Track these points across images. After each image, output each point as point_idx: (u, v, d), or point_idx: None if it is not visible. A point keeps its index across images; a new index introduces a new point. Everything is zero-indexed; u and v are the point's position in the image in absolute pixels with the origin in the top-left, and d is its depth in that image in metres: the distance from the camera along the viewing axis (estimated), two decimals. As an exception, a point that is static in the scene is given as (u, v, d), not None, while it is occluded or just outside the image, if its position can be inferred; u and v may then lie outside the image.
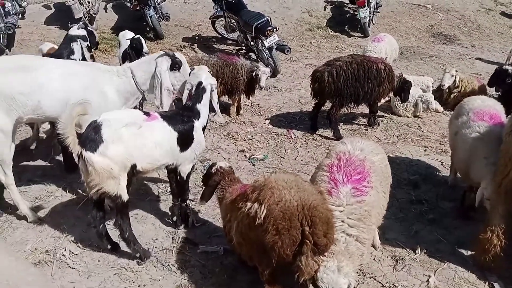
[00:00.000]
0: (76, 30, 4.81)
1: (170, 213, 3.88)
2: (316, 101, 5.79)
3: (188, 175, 3.67)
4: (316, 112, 5.84)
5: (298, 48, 9.48)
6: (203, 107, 3.60)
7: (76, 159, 3.21)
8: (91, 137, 3.01)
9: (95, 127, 3.04)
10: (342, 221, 2.70)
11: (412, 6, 12.09)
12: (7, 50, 8.03)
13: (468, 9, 12.35)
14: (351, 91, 5.46)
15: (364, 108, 6.12)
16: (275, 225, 2.47)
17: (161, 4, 9.26)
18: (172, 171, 3.65)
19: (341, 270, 2.52)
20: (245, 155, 5.17)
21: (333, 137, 5.58)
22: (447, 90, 6.55)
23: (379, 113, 6.29)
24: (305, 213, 2.46)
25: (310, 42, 9.86)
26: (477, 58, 9.34)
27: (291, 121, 6.16)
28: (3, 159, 3.58)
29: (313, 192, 2.61)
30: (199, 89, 3.61)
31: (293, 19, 10.72)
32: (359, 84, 5.47)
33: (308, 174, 4.35)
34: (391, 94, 6.12)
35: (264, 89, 7.18)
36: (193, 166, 3.73)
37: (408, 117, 6.30)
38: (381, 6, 10.96)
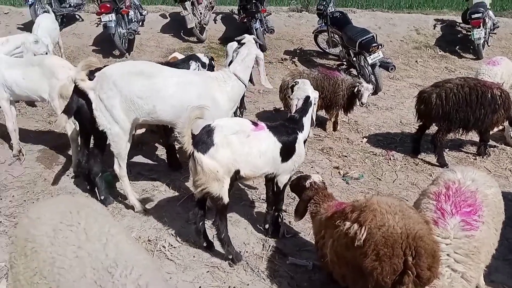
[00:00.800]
0: (203, 57, 5.10)
1: (262, 221, 3.97)
2: (421, 123, 5.52)
3: (285, 185, 3.74)
4: (420, 134, 5.56)
5: (402, 67, 9.14)
6: (307, 120, 3.69)
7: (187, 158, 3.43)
8: (204, 139, 3.22)
9: (208, 131, 3.26)
10: (448, 255, 2.53)
11: (537, 27, 11.01)
12: (127, 53, 8.93)
13: None
14: (461, 116, 5.10)
15: (473, 135, 5.68)
16: (376, 250, 2.38)
17: (267, 18, 9.58)
18: (270, 180, 3.75)
19: (443, 306, 2.36)
20: (339, 172, 5.10)
21: (436, 163, 5.26)
22: None
23: (491, 142, 5.79)
24: (410, 242, 2.34)
25: (416, 61, 9.46)
26: None
27: (391, 142, 5.95)
28: (120, 153, 3.97)
29: (419, 221, 2.49)
30: (307, 103, 3.73)
31: (399, 36, 10.39)
32: (471, 109, 5.09)
33: (407, 200, 4.16)
34: (505, 123, 5.60)
35: (364, 106, 7.05)
36: (290, 178, 3.79)
37: (524, 149, 5.73)
38: (498, 27, 10.15)
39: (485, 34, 9.53)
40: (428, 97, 5.22)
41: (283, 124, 3.72)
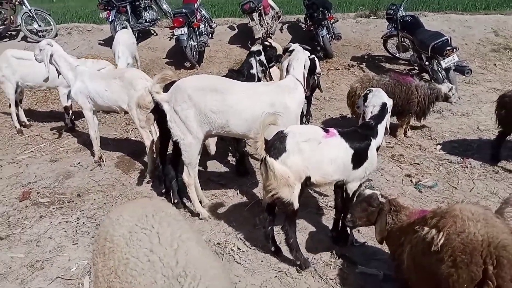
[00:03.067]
0: (254, 47, 5.21)
1: (330, 228, 3.92)
2: (501, 129, 5.15)
3: (354, 192, 3.66)
4: (500, 141, 5.19)
5: (479, 70, 8.60)
6: (381, 127, 3.64)
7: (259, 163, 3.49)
8: (276, 145, 3.28)
9: (281, 137, 3.31)
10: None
11: None
12: (197, 65, 9.32)
13: None
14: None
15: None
16: (453, 256, 2.29)
17: (333, 25, 9.52)
18: (340, 187, 3.70)
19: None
20: (411, 180, 4.90)
21: (517, 172, 4.89)
22: None
23: None
24: (491, 250, 2.22)
25: (495, 64, 8.85)
26: None
27: (467, 149, 5.61)
28: (191, 162, 4.12)
29: (504, 231, 2.34)
30: (384, 110, 3.71)
31: (475, 39, 9.81)
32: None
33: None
34: None
35: (437, 111, 6.76)
36: (360, 185, 3.72)
37: None
38: None
39: None
40: (510, 101, 4.87)
41: (356, 131, 3.69)
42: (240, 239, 3.96)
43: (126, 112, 5.33)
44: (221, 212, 4.39)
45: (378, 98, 3.77)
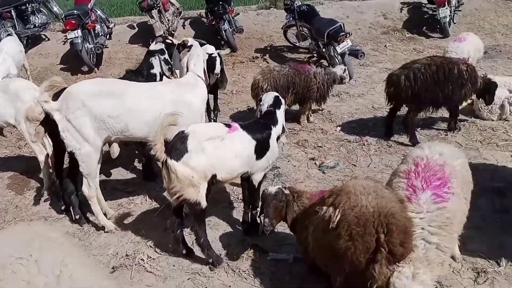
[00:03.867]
0: (153, 45, 5.07)
1: (241, 220, 3.97)
2: (392, 106, 5.58)
3: (260, 183, 3.75)
4: (392, 117, 5.62)
5: (372, 53, 9.21)
6: (280, 114, 3.78)
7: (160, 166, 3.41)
8: (177, 146, 3.22)
9: (182, 138, 3.26)
10: (422, 229, 2.58)
11: (498, 2, 11.18)
12: (96, 68, 8.86)
13: None
14: (430, 95, 5.17)
15: (443, 112, 5.75)
16: (349, 230, 2.44)
17: (235, 18, 9.58)
18: (245, 179, 3.76)
19: (416, 277, 2.41)
20: (315, 163, 5.13)
21: (409, 143, 5.32)
22: (539, 91, 5.94)
23: (461, 116, 5.88)
24: (381, 220, 2.40)
25: (385, 46, 9.53)
26: None
27: (364, 128, 5.99)
28: (90, 172, 3.90)
29: (392, 200, 2.54)
30: (278, 100, 3.90)
31: (367, 23, 10.47)
32: (439, 87, 5.15)
33: (383, 182, 4.19)
34: (473, 97, 5.68)
35: (336, 95, 7.13)
36: (264, 175, 3.80)
37: (493, 120, 5.82)
38: (463, 4, 10.28)
39: (450, 12, 9.65)
40: (397, 79, 5.27)
41: (257, 121, 3.79)
42: (150, 246, 3.86)
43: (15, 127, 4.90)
44: (129, 222, 4.24)
45: (269, 96, 3.98)
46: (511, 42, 9.48)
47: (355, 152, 5.33)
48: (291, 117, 6.40)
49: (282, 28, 9.35)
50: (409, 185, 2.71)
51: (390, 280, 2.41)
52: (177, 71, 4.86)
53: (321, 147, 5.54)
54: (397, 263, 2.41)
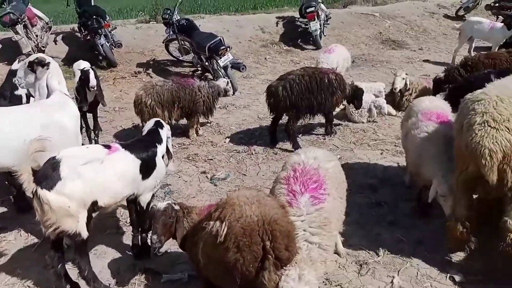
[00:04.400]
0: (16, 64, 4.61)
1: (131, 245, 3.78)
2: (274, 115, 5.85)
3: (148, 204, 3.60)
4: (274, 126, 5.89)
5: (254, 65, 9.58)
6: (164, 133, 3.71)
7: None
8: (48, 174, 2.91)
9: (53, 164, 2.95)
10: (304, 230, 2.72)
11: (361, 15, 12.52)
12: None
13: (414, 14, 12.92)
14: (306, 103, 5.54)
15: (321, 118, 6.21)
16: (236, 242, 2.46)
17: (112, 32, 9.18)
18: (132, 202, 3.58)
19: (302, 278, 2.52)
20: (206, 176, 5.13)
21: (293, 150, 5.62)
22: (399, 94, 6.76)
23: (336, 121, 6.42)
24: (266, 227, 2.46)
25: (265, 58, 10.00)
26: (425, 60, 9.73)
27: (251, 137, 6.19)
28: None
29: (274, 206, 2.63)
30: (159, 122, 3.82)
31: (246, 37, 10.86)
32: (313, 96, 5.56)
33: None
34: (345, 102, 6.25)
35: (223, 107, 7.26)
36: (153, 195, 3.68)
37: (363, 122, 6.46)
38: (330, 18, 11.29)
39: (320, 26, 10.52)
40: (275, 90, 5.55)
41: (140, 140, 3.64)
42: (28, 286, 3.46)
43: None
44: (2, 263, 3.74)
45: (150, 122, 3.91)
46: (373, 51, 10.66)
47: (244, 162, 5.46)
48: (180, 131, 6.35)
49: (163, 42, 9.24)
50: (289, 190, 2.85)
51: (279, 285, 2.49)
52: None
53: (211, 159, 5.57)
54: (284, 267, 2.51)
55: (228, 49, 7.71)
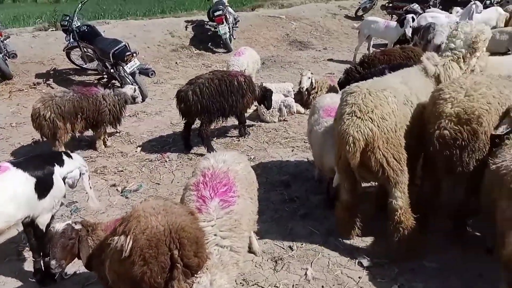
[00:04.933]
0: None
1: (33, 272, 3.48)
2: (186, 120, 5.76)
3: (48, 226, 3.33)
4: (188, 131, 5.81)
5: (164, 70, 9.39)
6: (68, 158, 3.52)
7: None
8: None
9: None
10: (215, 235, 2.68)
11: (268, 18, 12.87)
12: None
13: (317, 16, 13.59)
14: (217, 106, 5.54)
15: (234, 120, 6.25)
16: (142, 254, 2.35)
17: (5, 42, 8.41)
18: (29, 225, 3.29)
19: (213, 283, 2.49)
20: (117, 189, 4.90)
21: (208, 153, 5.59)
22: (306, 92, 7.03)
23: (249, 122, 6.51)
24: (173, 236, 2.39)
25: (176, 63, 9.86)
26: (329, 59, 10.27)
27: (165, 145, 6.04)
28: None
29: (182, 214, 2.55)
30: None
31: (155, 42, 10.62)
32: (224, 99, 5.57)
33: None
34: (256, 103, 6.36)
35: (133, 115, 7.01)
36: (52, 216, 3.41)
37: (275, 122, 6.63)
38: (239, 21, 11.45)
39: (229, 29, 10.61)
40: (185, 95, 5.47)
41: (37, 157, 3.37)
42: None
43: None
44: None
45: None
46: (282, 53, 11.02)
47: (157, 171, 5.31)
48: (87, 144, 6.00)
49: (64, 50, 8.68)
50: (199, 196, 2.81)
51: (191, 293, 2.45)
52: None
53: (122, 171, 5.33)
54: (195, 275, 2.46)
55: (135, 54, 7.46)
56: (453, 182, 3.54)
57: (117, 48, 7.37)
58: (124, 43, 7.56)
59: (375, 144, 3.12)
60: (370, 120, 3.12)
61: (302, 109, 6.89)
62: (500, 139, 3.02)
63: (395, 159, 3.17)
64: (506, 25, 9.16)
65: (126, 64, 7.27)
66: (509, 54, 7.56)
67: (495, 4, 10.94)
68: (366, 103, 3.15)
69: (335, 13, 13.89)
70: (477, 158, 3.12)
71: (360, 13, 13.87)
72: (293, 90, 7.30)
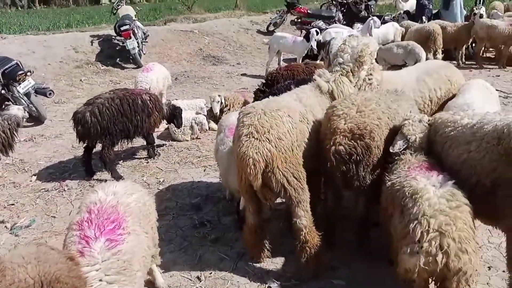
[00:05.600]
0: None
1: None
2: (85, 144, 5.32)
3: None
4: (89, 155, 5.35)
5: (67, 88, 8.75)
6: None
7: None
8: None
9: None
10: (100, 280, 2.39)
11: (180, 32, 12.66)
12: None
13: (230, 31, 13.66)
14: (120, 128, 5.18)
15: (143, 140, 5.92)
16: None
17: None
18: None
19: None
20: (5, 226, 4.34)
21: (113, 179, 5.21)
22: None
23: (160, 142, 6.23)
24: None
25: (81, 80, 9.24)
26: (242, 74, 10.31)
27: (64, 171, 5.53)
28: None
29: (58, 261, 2.23)
30: None
31: (57, 58, 9.88)
32: (127, 119, 5.24)
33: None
34: (165, 122, 6.10)
35: (28, 140, 6.38)
36: None
37: (187, 140, 6.42)
38: (148, 35, 11.10)
39: (138, 44, 10.22)
40: (83, 117, 5.04)
41: None
42: None
43: None
44: None
45: None
46: (195, 68, 10.85)
47: (54, 202, 4.81)
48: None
49: None
50: (82, 236, 2.50)
51: None
52: None
53: (13, 204, 4.76)
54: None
55: (29, 73, 6.82)
56: (355, 196, 3.61)
57: (7, 67, 6.68)
58: (15, 61, 6.88)
59: (274, 165, 3.06)
60: (268, 140, 3.05)
61: (215, 126, 6.74)
62: (396, 155, 3.11)
63: (295, 178, 3.14)
64: (402, 39, 9.87)
65: (19, 84, 6.62)
66: (407, 66, 8.12)
67: (392, 20, 11.79)
68: (262, 124, 3.09)
69: (247, 28, 14.06)
70: (372, 172, 3.19)
71: (271, 28, 14.19)
72: (206, 107, 7.15)
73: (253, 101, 6.26)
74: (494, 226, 2.85)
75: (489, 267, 3.34)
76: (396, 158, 3.09)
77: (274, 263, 3.63)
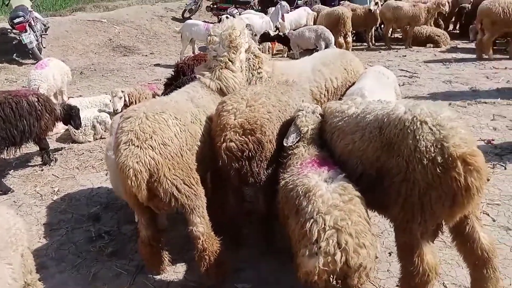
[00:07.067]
0: None
1: None
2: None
3: None
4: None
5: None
6: None
7: None
8: None
9: None
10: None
11: (87, 22, 11.77)
12: None
13: (143, 19, 12.95)
14: (2, 135, 4.61)
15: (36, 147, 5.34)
16: None
17: None
18: None
19: None
20: None
21: (1, 192, 4.64)
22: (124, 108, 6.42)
23: (57, 145, 5.67)
24: None
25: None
26: (156, 65, 9.80)
27: None
28: None
29: None
30: None
31: None
32: (11, 125, 4.68)
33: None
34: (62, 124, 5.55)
35: None
36: None
37: (90, 141, 5.92)
38: (49, 27, 10.17)
39: (37, 37, 9.31)
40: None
41: None
42: None
43: None
44: None
45: None
46: (104, 60, 10.13)
47: None
48: None
49: None
50: None
51: None
52: None
53: None
54: None
55: None
56: (253, 192, 3.45)
57: None
58: None
59: (160, 173, 2.77)
60: (151, 147, 2.75)
61: (120, 124, 6.28)
62: (290, 149, 2.97)
63: (186, 185, 2.88)
64: (314, 23, 9.92)
65: None
66: (317, 50, 8.14)
67: (304, 4, 11.82)
68: (143, 129, 2.76)
69: (161, 15, 13.43)
70: (267, 168, 3.03)
71: (187, 15, 13.67)
72: (111, 101, 6.62)
73: (162, 95, 5.91)
74: (383, 215, 2.80)
75: (389, 253, 3.35)
76: (289, 152, 2.95)
77: (176, 273, 3.38)
